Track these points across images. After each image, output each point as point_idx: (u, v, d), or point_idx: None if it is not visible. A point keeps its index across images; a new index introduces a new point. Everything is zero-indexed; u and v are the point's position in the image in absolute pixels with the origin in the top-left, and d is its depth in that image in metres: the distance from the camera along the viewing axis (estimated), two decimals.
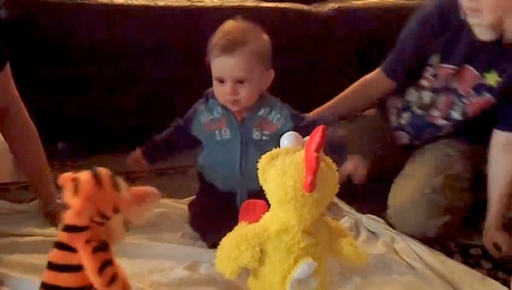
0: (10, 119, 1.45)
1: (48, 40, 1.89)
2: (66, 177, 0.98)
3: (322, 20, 2.28)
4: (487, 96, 1.55)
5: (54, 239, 1.34)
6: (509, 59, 1.49)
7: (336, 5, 2.35)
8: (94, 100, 2.03)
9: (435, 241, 1.51)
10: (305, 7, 2.30)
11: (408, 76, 1.66)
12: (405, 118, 1.73)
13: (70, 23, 1.92)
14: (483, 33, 1.47)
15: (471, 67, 1.53)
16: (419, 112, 1.69)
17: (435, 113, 1.66)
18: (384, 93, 1.74)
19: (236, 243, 1.07)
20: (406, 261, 1.41)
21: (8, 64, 1.39)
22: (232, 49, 1.33)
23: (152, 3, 2.04)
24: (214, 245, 1.16)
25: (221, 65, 1.35)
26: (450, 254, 1.48)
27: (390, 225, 1.56)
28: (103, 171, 0.99)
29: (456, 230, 1.56)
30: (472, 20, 1.44)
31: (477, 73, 1.53)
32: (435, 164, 1.58)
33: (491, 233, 1.51)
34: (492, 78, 1.52)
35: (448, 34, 1.53)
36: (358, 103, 1.77)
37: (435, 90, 1.63)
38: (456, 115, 1.62)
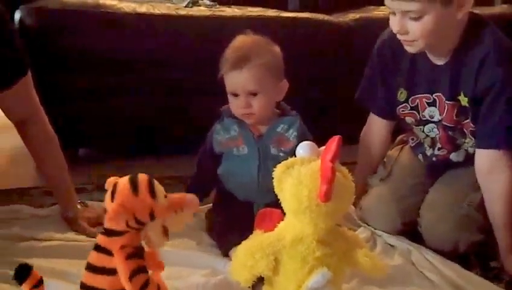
0: (31, 127, 1.46)
1: (69, 49, 1.92)
2: (110, 181, 1.00)
3: (343, 30, 2.28)
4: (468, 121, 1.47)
5: (73, 244, 1.40)
6: (465, 75, 1.42)
7: (357, 15, 2.36)
8: (114, 107, 2.06)
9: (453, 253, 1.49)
10: (326, 17, 2.31)
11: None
12: (420, 158, 1.65)
13: (92, 32, 1.95)
14: (435, 58, 1.44)
15: (442, 95, 1.47)
16: (429, 151, 1.61)
17: (443, 152, 1.58)
18: (387, 135, 1.68)
19: (251, 251, 1.08)
20: (423, 273, 1.40)
21: (29, 72, 1.41)
22: (241, 65, 1.37)
23: (174, 12, 2.07)
24: (229, 253, 1.16)
25: (233, 80, 1.39)
26: (468, 266, 1.46)
27: (418, 233, 1.54)
28: (142, 177, 0.99)
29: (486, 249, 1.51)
30: (410, 49, 1.41)
31: (451, 101, 1.46)
32: (473, 180, 1.49)
33: (510, 258, 1.45)
34: (464, 100, 1.44)
35: (406, 65, 1.49)
36: (375, 158, 1.69)
37: (420, 124, 1.56)
38: (464, 146, 1.55)
